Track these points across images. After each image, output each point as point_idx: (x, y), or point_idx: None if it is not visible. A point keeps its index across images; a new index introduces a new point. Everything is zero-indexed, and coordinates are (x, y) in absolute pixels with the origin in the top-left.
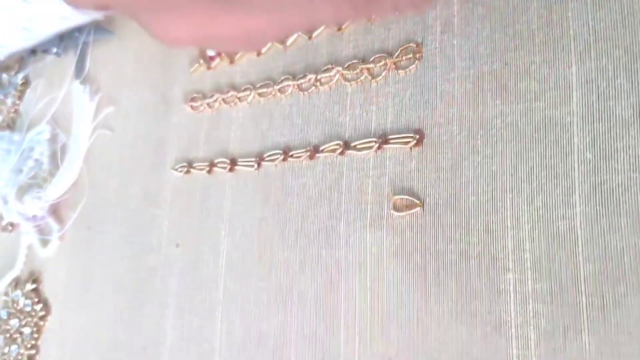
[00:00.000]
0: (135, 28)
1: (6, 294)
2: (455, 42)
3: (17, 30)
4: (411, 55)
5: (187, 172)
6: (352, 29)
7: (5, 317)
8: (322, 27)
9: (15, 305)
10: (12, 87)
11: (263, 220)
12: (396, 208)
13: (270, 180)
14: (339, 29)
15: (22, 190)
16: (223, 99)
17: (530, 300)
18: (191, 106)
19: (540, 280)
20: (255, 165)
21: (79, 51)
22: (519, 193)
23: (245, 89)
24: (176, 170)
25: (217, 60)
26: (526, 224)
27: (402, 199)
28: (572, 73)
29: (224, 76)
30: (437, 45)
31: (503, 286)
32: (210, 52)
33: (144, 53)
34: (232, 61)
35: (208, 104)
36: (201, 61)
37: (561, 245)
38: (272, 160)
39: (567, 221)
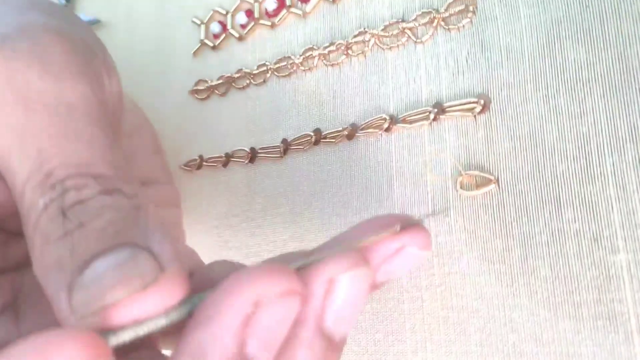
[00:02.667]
0: (122, 12)
1: None
2: None
3: None
4: (463, 8)
5: (199, 167)
6: None
7: None
8: None
9: None
10: None
11: (299, 216)
12: (464, 187)
13: (298, 168)
14: None
15: None
16: (233, 83)
17: None
18: (196, 94)
19: None
20: (281, 153)
21: None
22: (622, 156)
23: (259, 68)
24: (186, 167)
25: (223, 37)
26: (636, 193)
27: (470, 176)
28: None
29: (233, 55)
30: None
31: (613, 270)
32: (215, 29)
33: (135, 41)
34: (241, 37)
35: (216, 90)
36: (205, 40)
37: None
38: (301, 145)
39: None
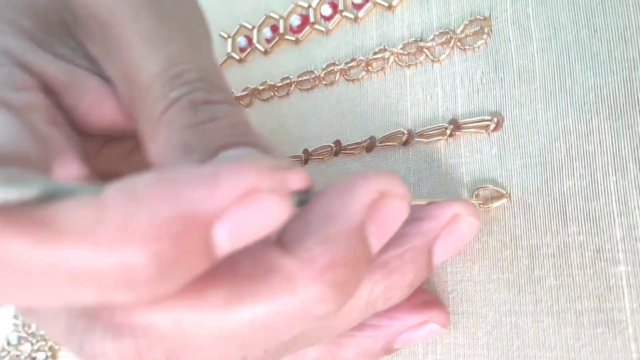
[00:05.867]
0: None
1: (15, 316)
2: (530, 10)
3: None
4: (478, 30)
5: None
6: (405, 6)
7: (15, 342)
8: (370, 6)
9: (26, 328)
10: None
11: None
12: (480, 199)
13: (318, 177)
14: (390, 7)
15: None
16: (258, 95)
17: None
18: None
19: None
20: (302, 163)
21: None
22: (624, 174)
23: (283, 81)
24: None
25: (249, 50)
26: (637, 209)
27: (484, 190)
28: None
29: (258, 69)
30: (508, 17)
31: (614, 281)
32: (241, 43)
33: None
34: (266, 52)
35: (241, 102)
36: (232, 54)
37: None
38: (321, 156)
39: None
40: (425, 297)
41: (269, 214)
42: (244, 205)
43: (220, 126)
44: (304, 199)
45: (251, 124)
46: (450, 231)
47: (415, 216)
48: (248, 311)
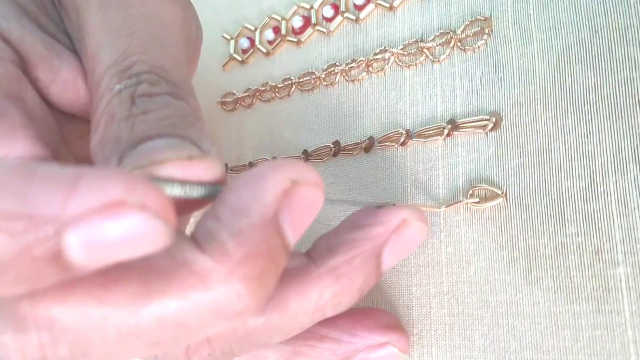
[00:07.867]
0: None
1: None
2: (531, 11)
3: None
4: (478, 30)
5: None
6: (406, 7)
7: None
8: (371, 7)
9: None
10: None
11: (317, 223)
12: (473, 200)
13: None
14: (391, 8)
15: None
16: (259, 96)
17: None
18: (223, 105)
19: None
20: None
21: None
22: (624, 175)
23: (284, 82)
24: None
25: (251, 52)
26: (637, 210)
27: (480, 189)
28: None
29: (260, 70)
30: (509, 17)
31: (613, 282)
32: (243, 45)
33: None
34: (268, 53)
35: (242, 102)
36: (234, 55)
37: None
38: (320, 156)
39: None
40: (389, 319)
41: (135, 232)
42: (102, 218)
43: (150, 118)
44: (215, 190)
45: (196, 116)
46: (399, 236)
47: (364, 222)
48: (157, 308)
